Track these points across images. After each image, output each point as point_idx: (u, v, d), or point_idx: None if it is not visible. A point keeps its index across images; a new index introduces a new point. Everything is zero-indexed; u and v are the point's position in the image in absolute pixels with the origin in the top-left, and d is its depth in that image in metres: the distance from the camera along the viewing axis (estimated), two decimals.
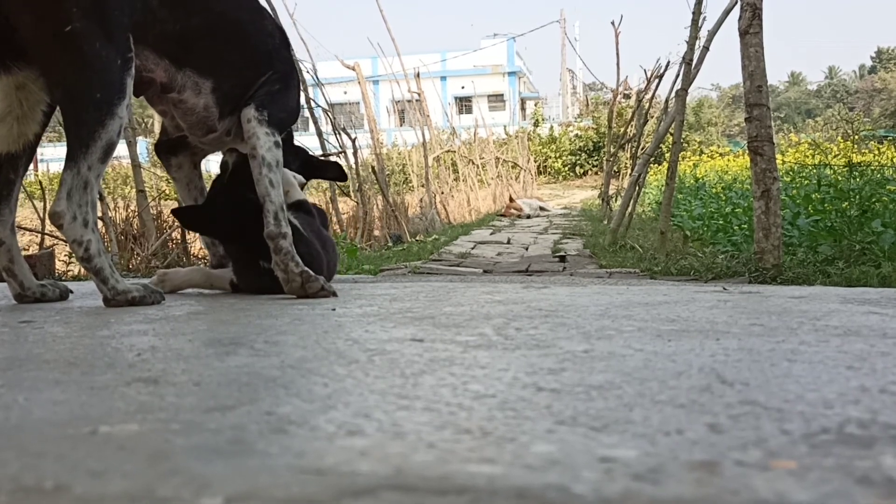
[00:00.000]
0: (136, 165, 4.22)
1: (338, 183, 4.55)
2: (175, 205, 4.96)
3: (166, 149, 2.30)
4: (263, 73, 2.11)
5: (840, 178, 5.73)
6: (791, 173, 7.53)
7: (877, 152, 9.79)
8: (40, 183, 5.84)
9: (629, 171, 10.11)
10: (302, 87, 2.39)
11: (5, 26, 1.70)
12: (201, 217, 2.25)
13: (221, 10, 2.01)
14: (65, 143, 1.76)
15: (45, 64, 1.76)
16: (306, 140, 5.74)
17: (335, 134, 6.89)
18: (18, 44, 1.74)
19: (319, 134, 6.47)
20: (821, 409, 0.76)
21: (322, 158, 2.87)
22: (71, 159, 1.73)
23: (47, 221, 3.93)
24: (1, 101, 1.88)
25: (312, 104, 6.12)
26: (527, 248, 5.89)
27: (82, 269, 3.36)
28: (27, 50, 1.76)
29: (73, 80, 1.72)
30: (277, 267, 2.00)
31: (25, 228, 4.12)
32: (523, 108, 34.82)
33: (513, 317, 1.51)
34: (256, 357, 1.09)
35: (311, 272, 2.00)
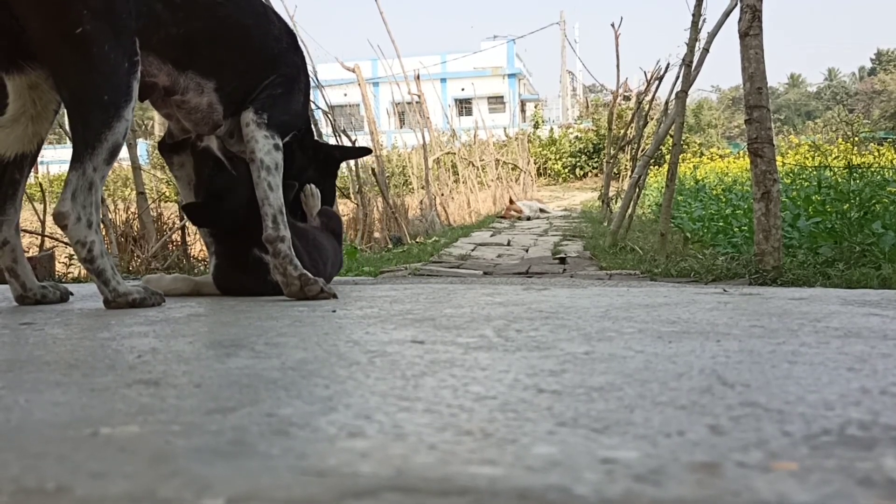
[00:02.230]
0: (136, 167, 4.22)
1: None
2: (175, 207, 4.96)
3: (169, 147, 2.30)
4: (267, 76, 2.11)
5: (840, 180, 5.73)
6: (791, 175, 7.53)
7: (877, 154, 9.78)
8: (40, 185, 5.85)
9: (629, 172, 10.12)
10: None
11: (16, 27, 1.70)
12: (207, 214, 2.23)
13: (224, 15, 2.00)
14: (65, 146, 1.76)
15: (53, 65, 1.76)
16: None
17: (335, 136, 6.89)
18: (30, 44, 1.74)
19: (319, 136, 6.48)
20: (822, 410, 0.76)
21: (343, 146, 2.95)
22: (76, 160, 1.73)
23: (47, 223, 3.94)
24: (15, 101, 1.88)
25: (312, 106, 6.14)
26: (527, 250, 5.89)
27: (82, 271, 3.35)
28: (37, 50, 1.76)
29: (81, 81, 1.72)
30: (276, 270, 2.01)
31: (25, 230, 4.12)
32: (523, 110, 34.84)
33: (513, 318, 1.51)
34: (257, 359, 1.09)
35: (309, 275, 2.00)
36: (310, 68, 2.44)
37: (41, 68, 1.82)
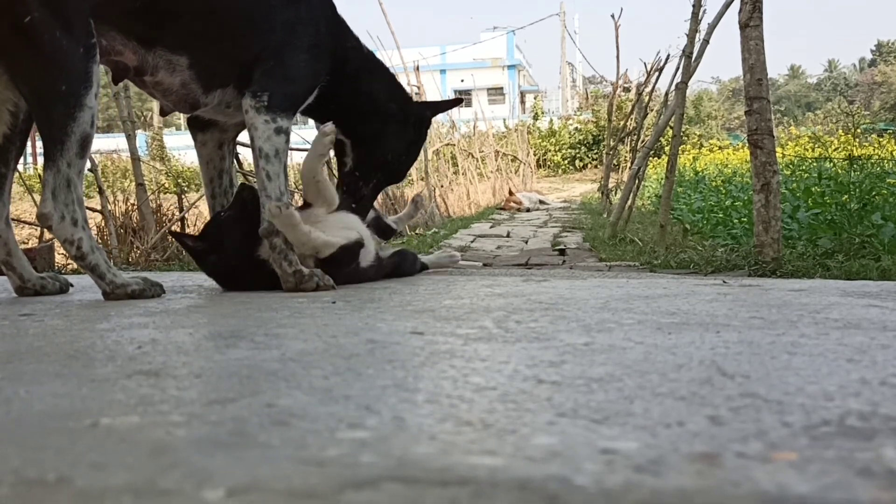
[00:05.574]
0: (135, 159, 4.21)
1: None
2: (174, 199, 4.93)
3: (196, 124, 2.22)
4: (255, 46, 1.97)
5: (840, 172, 5.73)
6: (791, 166, 7.53)
7: (877, 145, 9.77)
8: (40, 177, 5.83)
9: (629, 164, 10.11)
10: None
11: None
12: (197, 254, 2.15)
13: None
14: None
15: (7, 59, 1.72)
16: (306, 133, 5.72)
17: None
18: None
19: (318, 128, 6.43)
20: (821, 401, 0.76)
21: (436, 101, 2.69)
22: (49, 158, 1.71)
23: None
24: None
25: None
26: (526, 242, 5.89)
27: None
28: None
29: (37, 74, 1.69)
30: (274, 264, 1.99)
31: (25, 222, 4.11)
32: (523, 102, 34.78)
33: (513, 310, 1.51)
34: (257, 350, 1.09)
35: (304, 270, 1.97)
36: None
37: None
